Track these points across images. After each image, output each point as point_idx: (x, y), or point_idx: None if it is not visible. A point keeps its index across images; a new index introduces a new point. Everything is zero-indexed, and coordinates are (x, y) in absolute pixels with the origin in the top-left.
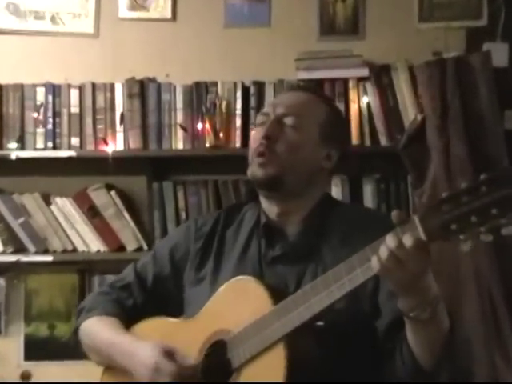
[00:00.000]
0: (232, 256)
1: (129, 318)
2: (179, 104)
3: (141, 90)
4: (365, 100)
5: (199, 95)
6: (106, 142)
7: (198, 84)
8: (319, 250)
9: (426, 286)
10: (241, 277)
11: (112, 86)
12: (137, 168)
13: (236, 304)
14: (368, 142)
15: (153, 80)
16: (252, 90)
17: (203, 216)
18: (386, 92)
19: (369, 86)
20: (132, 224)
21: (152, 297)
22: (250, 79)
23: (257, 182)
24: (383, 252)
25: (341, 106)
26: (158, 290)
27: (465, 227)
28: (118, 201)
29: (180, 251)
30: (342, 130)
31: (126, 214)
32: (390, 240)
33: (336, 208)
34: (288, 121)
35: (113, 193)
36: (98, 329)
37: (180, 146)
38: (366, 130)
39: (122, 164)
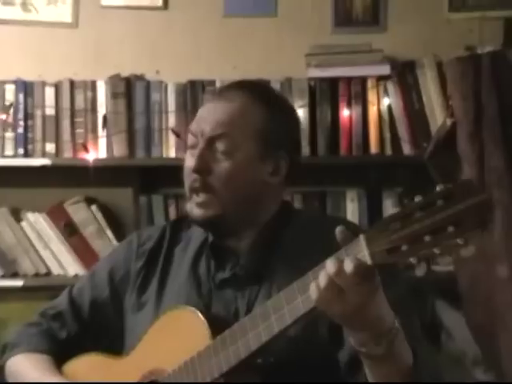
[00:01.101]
0: (178, 277)
1: (62, 351)
2: (171, 105)
3: (127, 88)
4: (386, 102)
5: (194, 95)
6: (86, 149)
7: (193, 82)
8: (273, 268)
9: (376, 316)
10: (178, 306)
11: (93, 84)
12: (122, 179)
13: (172, 338)
14: (389, 151)
15: (141, 77)
16: None
17: (149, 228)
18: (410, 93)
19: (390, 85)
20: (116, 243)
21: (89, 326)
22: (254, 77)
23: (197, 224)
24: (322, 279)
25: (357, 109)
26: (95, 318)
27: (417, 248)
28: (99, 216)
29: (120, 272)
30: (286, 130)
31: (109, 232)
32: (329, 265)
33: (293, 219)
34: (219, 146)
35: (94, 207)
36: (23, 368)
37: (172, 153)
38: (387, 136)
39: (104, 174)
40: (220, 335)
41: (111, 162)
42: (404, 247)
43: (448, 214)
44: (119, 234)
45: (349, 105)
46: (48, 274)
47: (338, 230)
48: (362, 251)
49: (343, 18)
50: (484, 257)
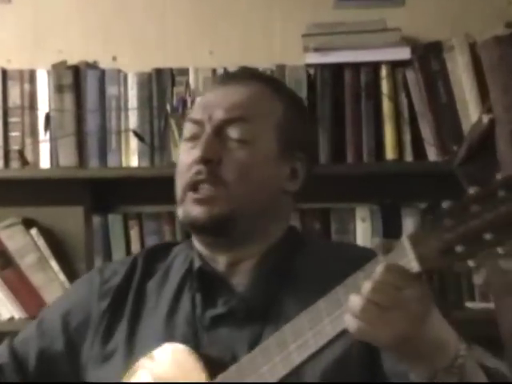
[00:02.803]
0: (154, 319)
1: None
2: (132, 101)
3: (75, 79)
4: (404, 95)
5: (162, 88)
6: (22, 158)
7: (159, 71)
8: (280, 304)
9: (436, 339)
10: (167, 345)
11: (32, 74)
12: (69, 195)
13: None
14: (409, 157)
15: (93, 65)
16: None
17: (115, 262)
18: (435, 83)
19: (410, 73)
20: (62, 277)
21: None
22: (236, 64)
23: (196, 227)
24: (356, 300)
25: (368, 104)
26: (44, 373)
27: (476, 249)
28: (41, 243)
29: (77, 317)
30: (304, 129)
31: (54, 263)
32: (363, 277)
33: (303, 246)
34: (233, 132)
35: (34, 232)
36: None
37: (134, 162)
38: (407, 138)
39: (47, 189)
40: (222, 374)
41: (56, 173)
42: (459, 248)
43: None
44: (66, 266)
45: (357, 99)
46: None
47: (377, 243)
48: (406, 256)
49: None
50: None
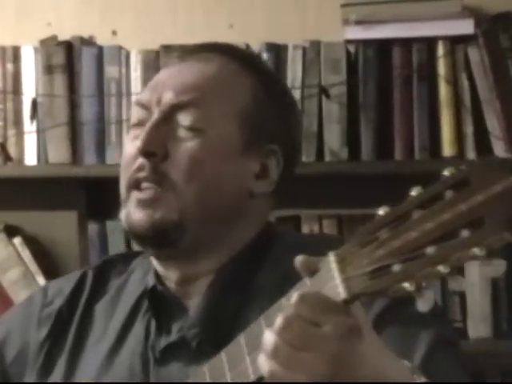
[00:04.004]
0: (99, 349)
1: None
2: (136, 84)
3: (67, 58)
4: (466, 77)
5: None
6: (4, 152)
7: (168, 49)
8: (243, 328)
9: (373, 374)
10: None
11: (16, 52)
12: (61, 197)
13: None
14: (471, 153)
15: (89, 41)
16: (265, 58)
17: (64, 278)
18: (504, 62)
19: (474, 52)
20: None
21: None
22: (262, 41)
23: (135, 235)
24: (268, 338)
25: (422, 89)
26: None
27: (415, 267)
28: (26, 255)
29: (14, 346)
30: (285, 116)
31: (41, 278)
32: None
33: (274, 245)
34: (183, 119)
35: (18, 241)
36: None
37: None
38: (469, 130)
39: (34, 190)
40: None
41: (44, 171)
42: (396, 267)
43: (461, 210)
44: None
45: (408, 82)
46: None
47: (298, 259)
48: (332, 279)
49: None
50: None
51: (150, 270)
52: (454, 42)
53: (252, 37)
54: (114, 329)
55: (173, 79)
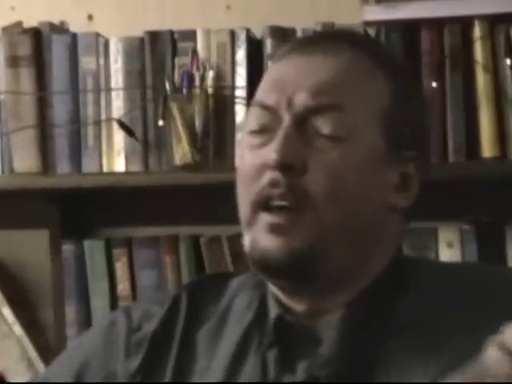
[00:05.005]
0: (207, 379)
1: None
2: (117, 78)
3: (35, 48)
4: (507, 64)
5: (158, 59)
6: None
7: (154, 36)
8: (385, 365)
9: None
10: None
11: None
12: (29, 213)
13: None
14: None
15: (61, 28)
16: (268, 45)
17: (144, 302)
18: None
19: None
20: (19, 330)
21: None
22: (264, 24)
23: (269, 266)
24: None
25: (455, 79)
26: None
27: None
28: None
29: (96, 375)
30: (421, 116)
31: (7, 311)
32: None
33: (410, 273)
34: (323, 125)
35: None
36: None
37: (119, 165)
38: None
39: None
40: None
41: (9, 182)
42: None
43: None
44: (25, 314)
45: (439, 71)
46: None
47: None
48: None
49: None
50: None
51: (256, 294)
52: (494, 22)
53: (253, 19)
54: (222, 360)
55: (304, 77)
